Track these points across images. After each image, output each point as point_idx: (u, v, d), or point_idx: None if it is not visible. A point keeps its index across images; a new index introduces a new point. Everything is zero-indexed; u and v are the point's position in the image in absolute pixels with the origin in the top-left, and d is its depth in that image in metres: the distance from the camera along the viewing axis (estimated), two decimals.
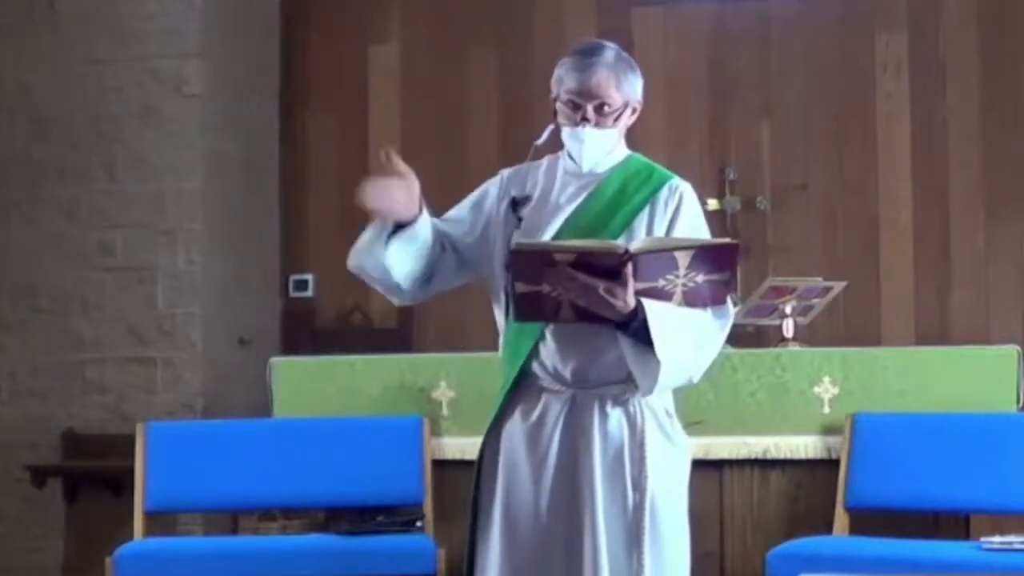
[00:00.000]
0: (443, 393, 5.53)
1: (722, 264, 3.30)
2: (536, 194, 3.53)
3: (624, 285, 3.22)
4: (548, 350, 3.43)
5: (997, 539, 4.61)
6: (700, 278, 3.28)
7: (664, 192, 3.48)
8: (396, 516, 5.30)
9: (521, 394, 3.47)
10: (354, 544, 5.07)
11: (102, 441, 6.90)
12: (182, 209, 7.08)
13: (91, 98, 7.16)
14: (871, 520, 5.09)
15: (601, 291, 3.22)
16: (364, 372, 5.64)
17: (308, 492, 5.43)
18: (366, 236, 3.49)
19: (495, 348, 3.58)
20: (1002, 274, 7.22)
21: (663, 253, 3.25)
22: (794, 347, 5.75)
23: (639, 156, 3.58)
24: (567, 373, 3.43)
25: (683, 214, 3.47)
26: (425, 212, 3.49)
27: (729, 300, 3.42)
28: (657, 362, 3.27)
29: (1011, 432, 5.07)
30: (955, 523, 5.21)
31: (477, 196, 3.62)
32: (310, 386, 5.65)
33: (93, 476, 6.82)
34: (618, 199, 3.47)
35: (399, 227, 3.46)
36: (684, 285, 3.29)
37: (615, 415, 3.41)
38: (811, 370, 5.34)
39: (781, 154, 7.47)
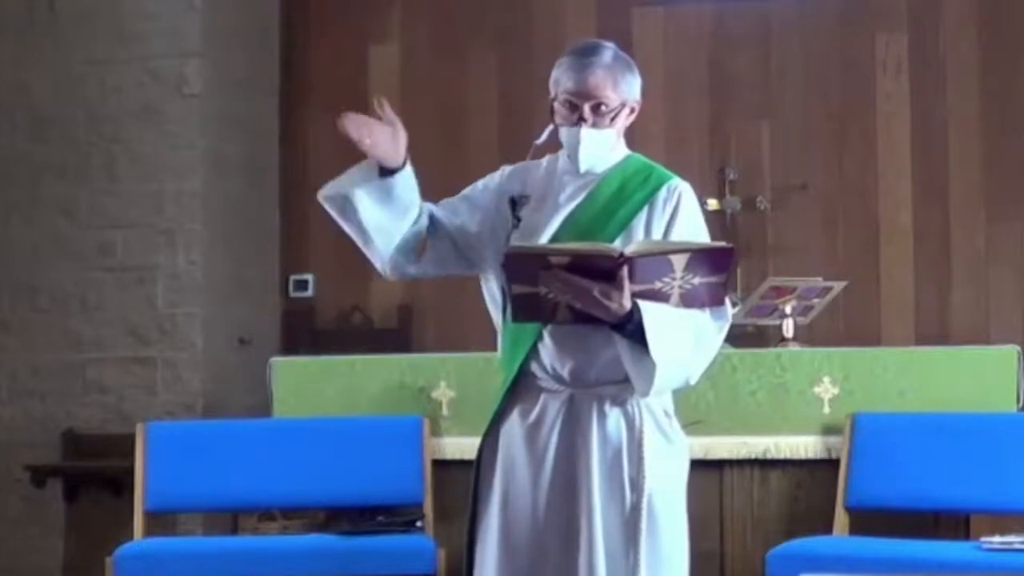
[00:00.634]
0: (443, 393, 5.53)
1: (718, 267, 3.30)
2: (535, 194, 3.53)
3: (620, 287, 3.22)
4: (546, 350, 3.43)
5: (997, 539, 4.61)
6: (696, 280, 3.28)
7: (663, 192, 3.48)
8: (396, 516, 5.29)
9: (519, 394, 3.47)
10: (354, 544, 5.07)
11: (102, 441, 6.90)
12: (182, 209, 7.08)
13: (91, 98, 7.16)
14: (871, 520, 5.09)
15: (596, 293, 3.22)
16: (364, 372, 5.64)
17: (308, 492, 5.43)
18: (348, 171, 3.51)
19: (495, 348, 3.59)
20: (1002, 274, 7.22)
21: (658, 256, 3.25)
22: (794, 347, 5.75)
23: (638, 156, 3.58)
24: (565, 373, 3.43)
25: (681, 215, 3.46)
26: (409, 169, 3.48)
27: (727, 301, 3.42)
28: (653, 364, 3.27)
29: (1011, 432, 5.07)
30: (955, 523, 5.21)
31: (479, 187, 3.62)
32: (310, 386, 5.64)
33: (93, 476, 6.82)
34: (617, 199, 3.47)
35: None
36: (681, 287, 3.29)
37: (613, 415, 3.41)
38: (811, 370, 5.34)
39: (781, 154, 7.47)
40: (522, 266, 3.27)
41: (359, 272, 7.77)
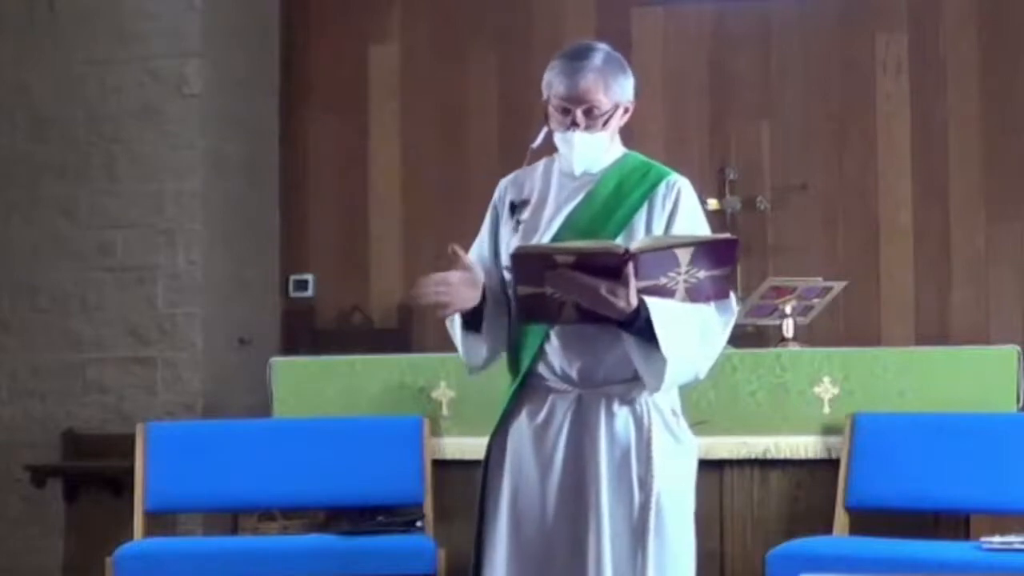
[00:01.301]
0: (443, 393, 5.53)
1: (723, 259, 3.30)
2: (534, 197, 3.54)
3: (626, 284, 3.22)
4: (553, 350, 3.44)
5: (997, 539, 4.61)
6: (701, 274, 3.29)
7: (662, 188, 3.48)
8: (396, 516, 5.30)
9: (527, 394, 3.48)
10: (354, 544, 5.07)
11: (102, 441, 6.90)
12: (182, 209, 7.08)
13: (91, 98, 7.16)
14: (871, 520, 5.09)
15: (603, 291, 3.22)
16: (364, 372, 5.64)
17: (308, 492, 5.43)
18: (459, 341, 3.51)
19: None
20: (1002, 274, 7.22)
21: (663, 251, 3.26)
22: (794, 347, 5.75)
23: (635, 154, 3.58)
24: (573, 373, 3.43)
25: (681, 210, 3.46)
26: (489, 298, 3.47)
27: (732, 295, 3.42)
28: (663, 359, 3.27)
29: (1011, 432, 5.07)
30: (955, 523, 5.21)
31: (485, 229, 3.62)
32: (310, 386, 5.64)
33: (93, 476, 6.81)
34: (616, 197, 3.47)
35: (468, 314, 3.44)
36: (686, 281, 3.29)
37: (622, 414, 3.41)
38: (811, 370, 5.34)
39: (781, 154, 7.47)
40: (528, 266, 3.28)
41: (359, 272, 7.81)
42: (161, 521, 5.82)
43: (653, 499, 3.37)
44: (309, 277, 7.83)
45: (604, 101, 3.44)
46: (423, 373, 5.57)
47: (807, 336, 6.23)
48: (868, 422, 5.17)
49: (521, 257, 3.29)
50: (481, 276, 3.43)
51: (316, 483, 5.39)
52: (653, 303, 3.26)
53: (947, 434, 5.09)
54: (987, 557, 4.52)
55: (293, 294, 7.83)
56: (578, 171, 3.50)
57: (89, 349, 7.10)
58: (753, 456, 5.30)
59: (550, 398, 3.45)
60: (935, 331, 7.14)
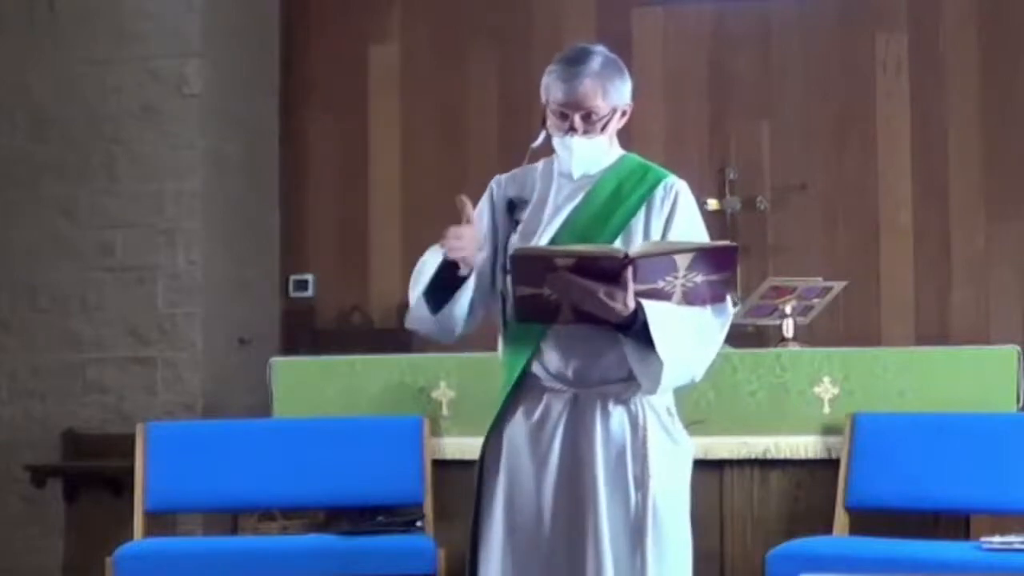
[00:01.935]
0: (443, 393, 5.53)
1: (722, 265, 3.31)
2: (533, 197, 3.54)
3: (624, 288, 3.23)
4: (550, 350, 3.44)
5: (997, 539, 4.61)
6: (699, 278, 3.29)
7: (660, 191, 3.48)
8: (396, 516, 5.29)
9: (523, 394, 3.48)
10: (354, 544, 5.07)
11: (102, 441, 6.90)
12: (182, 209, 7.08)
13: (91, 98, 7.16)
14: (871, 520, 5.09)
15: (601, 295, 3.23)
16: (364, 372, 5.64)
17: (308, 492, 5.42)
18: (419, 300, 3.45)
19: (495, 348, 3.58)
20: (1002, 274, 7.22)
21: (663, 256, 3.26)
22: (794, 347, 5.75)
23: (633, 156, 3.58)
24: (568, 373, 3.43)
25: (679, 212, 3.47)
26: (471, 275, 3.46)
27: (728, 298, 3.42)
28: (659, 362, 3.28)
29: (1011, 432, 5.06)
30: (955, 523, 5.21)
31: (485, 209, 3.59)
32: (310, 386, 5.64)
33: (93, 476, 6.81)
34: (614, 199, 3.47)
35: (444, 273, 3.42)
36: (683, 285, 3.30)
37: (617, 414, 3.41)
38: (811, 370, 5.34)
39: (781, 154, 7.48)
40: (528, 268, 3.28)
41: (359, 272, 7.81)
42: (161, 521, 5.82)
43: (650, 499, 3.37)
44: (309, 277, 7.83)
45: (602, 106, 3.44)
46: (423, 373, 5.57)
47: (807, 336, 6.22)
48: (868, 422, 5.17)
49: (521, 259, 3.30)
50: (481, 233, 3.43)
51: (316, 483, 5.39)
52: (650, 306, 3.26)
53: (947, 434, 5.09)
54: (987, 557, 4.52)
55: (293, 294, 7.83)
56: (576, 175, 3.50)
57: (89, 349, 7.10)
58: (753, 456, 5.29)
59: (545, 397, 3.45)
60: (935, 331, 7.15)
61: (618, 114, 3.49)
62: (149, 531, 5.35)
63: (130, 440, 5.49)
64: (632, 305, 3.24)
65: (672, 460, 3.45)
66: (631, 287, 3.23)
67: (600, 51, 3.49)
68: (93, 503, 6.81)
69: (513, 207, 3.54)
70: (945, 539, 4.98)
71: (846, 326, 7.20)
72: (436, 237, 3.41)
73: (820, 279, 6.18)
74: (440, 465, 5.37)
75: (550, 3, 7.71)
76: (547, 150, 3.57)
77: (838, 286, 6.14)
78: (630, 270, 3.22)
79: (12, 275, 7.19)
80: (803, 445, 5.27)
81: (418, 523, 5.22)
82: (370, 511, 5.36)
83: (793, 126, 7.47)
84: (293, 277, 7.83)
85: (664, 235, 3.43)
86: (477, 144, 7.58)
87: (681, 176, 3.54)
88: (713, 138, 7.53)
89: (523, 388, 3.47)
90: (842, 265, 7.19)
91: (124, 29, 7.16)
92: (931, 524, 5.17)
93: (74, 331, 7.13)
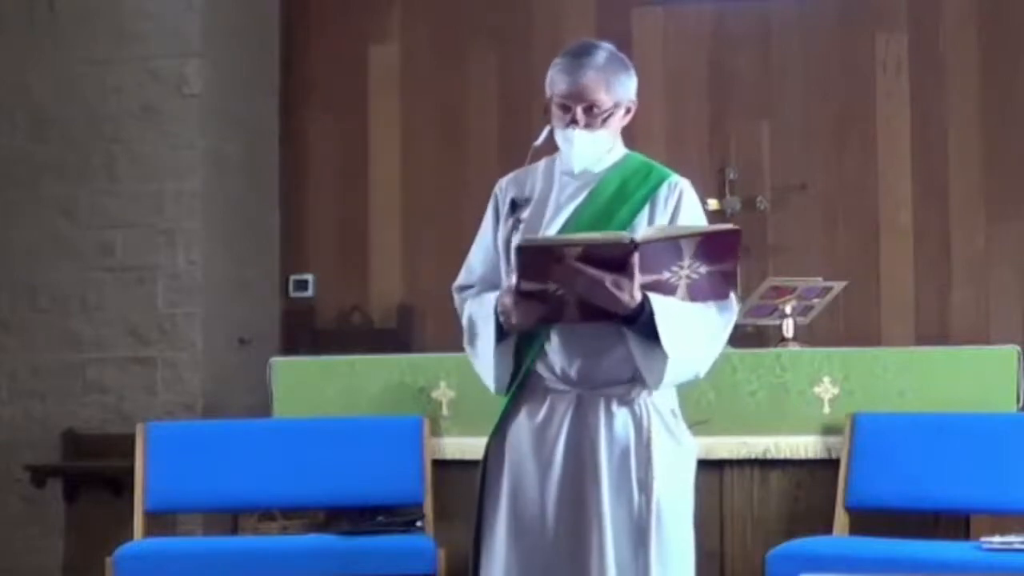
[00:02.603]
0: (443, 393, 5.53)
1: (725, 253, 3.32)
2: (535, 196, 3.54)
3: (631, 277, 3.23)
4: (553, 351, 3.44)
5: (997, 539, 4.61)
6: (703, 269, 3.30)
7: (663, 189, 3.49)
8: (396, 516, 5.29)
9: (526, 395, 3.48)
10: (354, 544, 5.07)
11: (102, 441, 6.90)
12: (182, 209, 7.08)
13: (91, 98, 7.16)
14: (871, 520, 5.09)
15: (608, 284, 3.23)
16: (364, 372, 5.64)
17: (308, 492, 5.42)
18: (487, 361, 3.47)
19: None
20: (1002, 274, 7.22)
21: (669, 242, 3.26)
22: (794, 347, 5.75)
23: (637, 154, 3.58)
24: (572, 373, 3.43)
25: (683, 211, 3.48)
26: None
27: (733, 295, 3.43)
28: (664, 357, 3.28)
29: (1011, 432, 5.06)
30: (955, 523, 5.21)
31: (486, 230, 3.61)
32: (310, 386, 5.64)
33: (93, 476, 6.81)
34: (618, 197, 3.47)
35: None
36: (688, 277, 3.30)
37: (621, 415, 3.42)
38: (811, 370, 5.34)
39: (781, 154, 7.47)
40: (533, 260, 3.27)
41: (359, 272, 7.81)
42: (161, 521, 5.82)
43: (654, 501, 3.38)
44: (309, 277, 7.83)
45: (605, 99, 3.45)
46: (423, 373, 5.57)
47: (807, 336, 6.22)
48: (868, 422, 5.17)
49: (528, 250, 3.29)
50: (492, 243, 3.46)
51: (316, 483, 5.39)
52: (657, 300, 3.27)
53: (947, 434, 5.09)
54: (987, 557, 4.52)
55: (293, 294, 7.83)
56: (577, 169, 3.50)
57: (89, 349, 7.10)
58: (753, 456, 5.29)
59: (549, 398, 3.45)
60: (935, 331, 7.14)
61: (621, 110, 3.49)
62: (149, 531, 5.35)
63: (130, 440, 5.49)
64: (638, 296, 3.25)
65: (676, 462, 3.45)
66: (637, 276, 3.23)
67: (606, 46, 3.50)
68: (93, 503, 6.81)
69: (515, 207, 3.54)
70: (945, 539, 4.98)
71: (846, 326, 7.20)
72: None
73: (820, 279, 6.18)
74: (440, 465, 5.37)
75: (550, 3, 7.71)
76: (549, 149, 3.57)
77: (838, 286, 6.14)
78: (636, 256, 3.21)
79: (12, 275, 7.19)
80: (803, 445, 5.27)
81: (418, 523, 5.22)
82: (370, 511, 5.36)
83: (793, 126, 7.47)
84: (293, 277, 7.83)
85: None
86: (477, 144, 7.58)
87: (681, 176, 3.55)
88: (713, 138, 7.53)
89: (527, 388, 3.48)
90: (842, 265, 7.19)
91: (124, 29, 7.15)
92: (931, 524, 5.17)
93: (74, 331, 7.13)
